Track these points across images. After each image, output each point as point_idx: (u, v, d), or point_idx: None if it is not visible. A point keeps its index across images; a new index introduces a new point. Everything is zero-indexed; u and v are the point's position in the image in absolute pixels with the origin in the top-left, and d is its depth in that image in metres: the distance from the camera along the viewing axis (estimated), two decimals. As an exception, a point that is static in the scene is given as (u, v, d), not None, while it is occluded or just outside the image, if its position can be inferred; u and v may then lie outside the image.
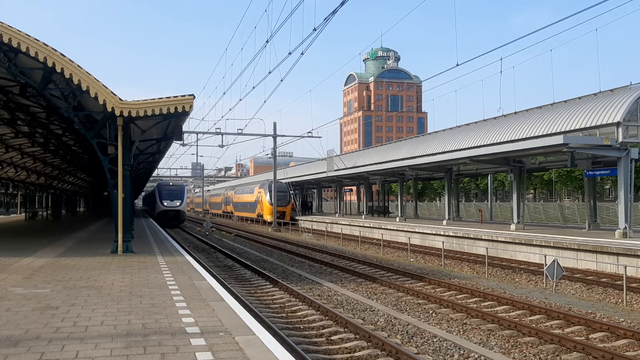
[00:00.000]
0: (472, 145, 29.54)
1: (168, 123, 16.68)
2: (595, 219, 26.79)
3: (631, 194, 22.24)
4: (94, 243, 19.01)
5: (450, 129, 36.99)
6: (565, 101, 26.82)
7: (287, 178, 53.70)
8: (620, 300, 13.46)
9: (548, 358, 8.76)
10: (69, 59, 13.43)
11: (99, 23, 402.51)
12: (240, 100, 37.80)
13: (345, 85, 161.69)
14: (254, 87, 40.72)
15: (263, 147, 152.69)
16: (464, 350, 8.90)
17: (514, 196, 27.19)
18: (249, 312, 8.44)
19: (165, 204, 47.45)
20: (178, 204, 47.94)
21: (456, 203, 39.70)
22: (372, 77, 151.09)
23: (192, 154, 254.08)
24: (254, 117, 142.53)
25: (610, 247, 17.54)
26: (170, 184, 53.01)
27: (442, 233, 26.51)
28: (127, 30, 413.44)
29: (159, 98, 14.22)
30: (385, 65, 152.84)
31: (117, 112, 13.91)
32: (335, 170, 45.23)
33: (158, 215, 47.23)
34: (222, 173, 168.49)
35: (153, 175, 55.60)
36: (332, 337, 9.65)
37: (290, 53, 21.01)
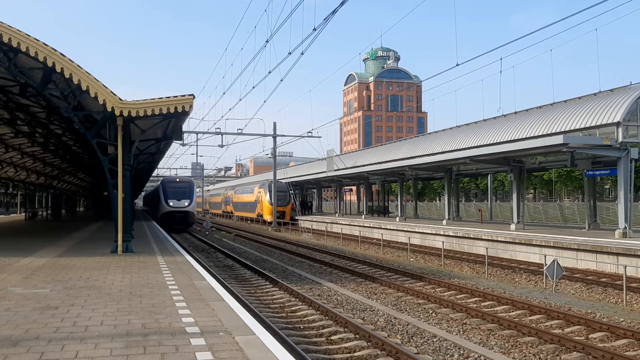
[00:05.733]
0: (472, 145, 29.54)
1: (168, 123, 16.69)
2: (595, 219, 26.79)
3: (631, 194, 22.23)
4: (94, 243, 19.00)
5: (450, 129, 37.01)
6: (565, 101, 26.82)
7: (287, 178, 53.68)
8: (620, 300, 13.47)
9: (548, 358, 8.77)
10: (69, 59, 13.43)
11: (99, 23, 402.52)
12: (240, 100, 38.72)
13: (345, 85, 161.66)
14: (253, 87, 40.87)
15: (263, 147, 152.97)
16: (464, 350, 8.90)
17: (514, 196, 27.18)
18: (249, 312, 8.44)
19: (171, 204, 40.06)
20: (186, 204, 40.40)
21: (456, 203, 39.70)
22: (372, 77, 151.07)
23: (192, 154, 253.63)
24: (253, 117, 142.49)
25: (610, 247, 17.54)
26: (177, 180, 44.38)
27: (442, 233, 26.50)
28: (127, 30, 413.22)
29: (159, 98, 14.23)
30: (385, 65, 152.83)
31: (117, 112, 13.92)
32: (335, 170, 45.23)
33: (162, 217, 40.21)
34: (222, 173, 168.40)
35: (153, 175, 55.22)
36: (332, 337, 9.66)
37: (290, 53, 20.99)
